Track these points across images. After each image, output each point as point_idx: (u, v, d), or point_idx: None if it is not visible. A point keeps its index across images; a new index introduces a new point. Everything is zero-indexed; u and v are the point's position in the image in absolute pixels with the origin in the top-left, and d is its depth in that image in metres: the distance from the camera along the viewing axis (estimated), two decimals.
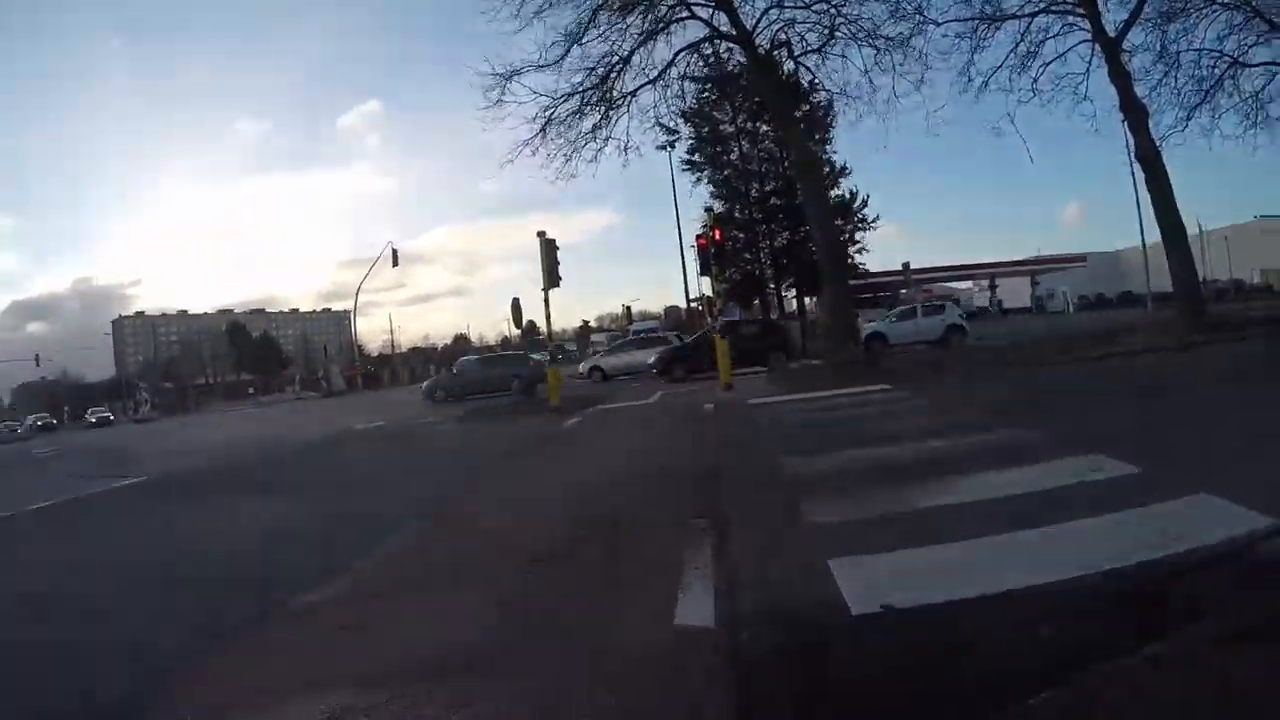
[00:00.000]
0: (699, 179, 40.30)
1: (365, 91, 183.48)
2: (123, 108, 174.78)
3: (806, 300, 41.57)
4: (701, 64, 22.24)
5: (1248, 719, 1.86)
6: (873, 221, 38.33)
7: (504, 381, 26.10)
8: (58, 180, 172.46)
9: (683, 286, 61.18)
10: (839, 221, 35.03)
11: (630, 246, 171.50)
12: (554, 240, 17.87)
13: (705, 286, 30.36)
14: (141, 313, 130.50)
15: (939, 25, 19.46)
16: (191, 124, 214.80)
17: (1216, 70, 20.50)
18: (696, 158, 39.58)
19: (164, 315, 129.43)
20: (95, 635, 4.11)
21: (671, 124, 25.32)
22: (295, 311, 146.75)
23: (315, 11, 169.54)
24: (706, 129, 38.47)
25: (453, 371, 29.70)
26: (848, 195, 37.12)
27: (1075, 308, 57.75)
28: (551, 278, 17.87)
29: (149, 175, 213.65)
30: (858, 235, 37.90)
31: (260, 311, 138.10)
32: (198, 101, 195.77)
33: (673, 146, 35.27)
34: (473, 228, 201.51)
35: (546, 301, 18.47)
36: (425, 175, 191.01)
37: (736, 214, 39.42)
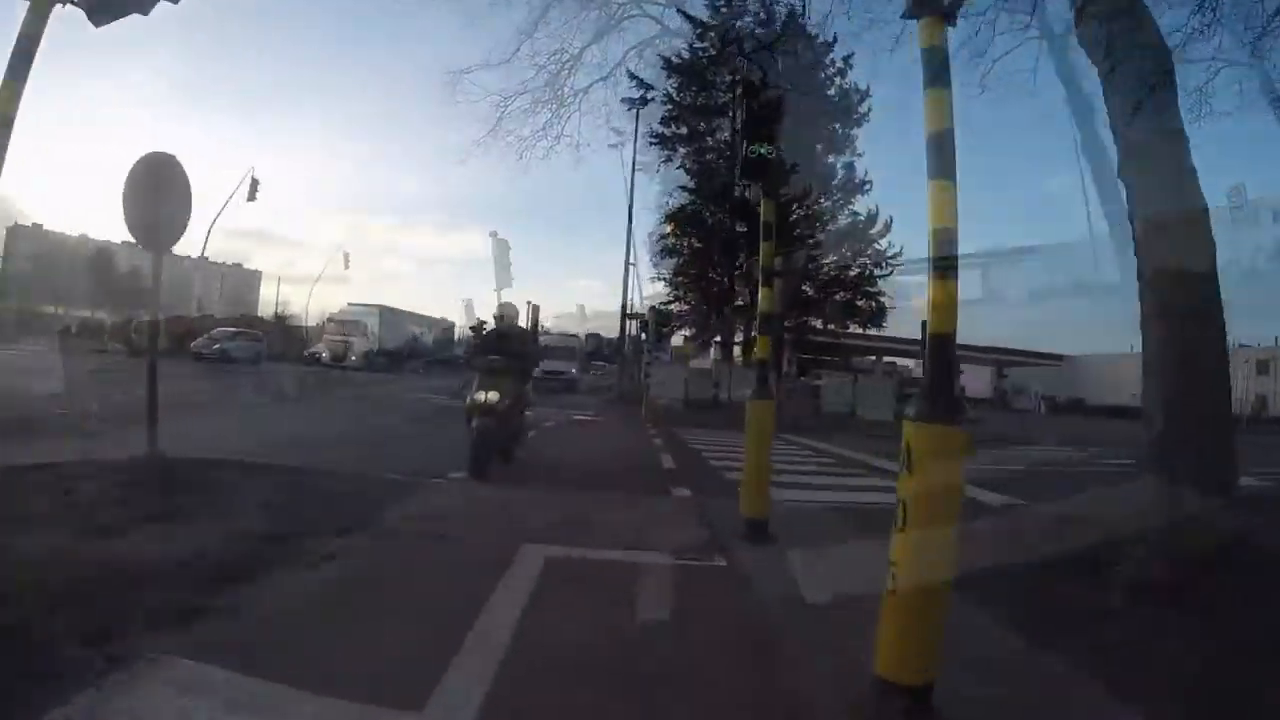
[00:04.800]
0: (668, 158, 30.01)
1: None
2: None
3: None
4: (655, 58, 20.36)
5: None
6: (894, 257, 28.63)
7: None
8: None
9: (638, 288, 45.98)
10: (844, 250, 29.13)
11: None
12: (506, 240, 18.36)
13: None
14: None
15: (887, 24, 20.48)
16: None
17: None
18: (671, 129, 29.33)
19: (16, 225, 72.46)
20: None
21: (636, 108, 24.85)
22: (204, 259, 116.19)
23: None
24: (696, 89, 28.52)
25: None
26: (864, 214, 29.36)
27: (1044, 408, 46.45)
28: (503, 277, 18.58)
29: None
30: (873, 271, 29.21)
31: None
32: None
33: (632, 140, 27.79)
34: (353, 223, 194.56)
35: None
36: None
37: (707, 216, 29.51)
